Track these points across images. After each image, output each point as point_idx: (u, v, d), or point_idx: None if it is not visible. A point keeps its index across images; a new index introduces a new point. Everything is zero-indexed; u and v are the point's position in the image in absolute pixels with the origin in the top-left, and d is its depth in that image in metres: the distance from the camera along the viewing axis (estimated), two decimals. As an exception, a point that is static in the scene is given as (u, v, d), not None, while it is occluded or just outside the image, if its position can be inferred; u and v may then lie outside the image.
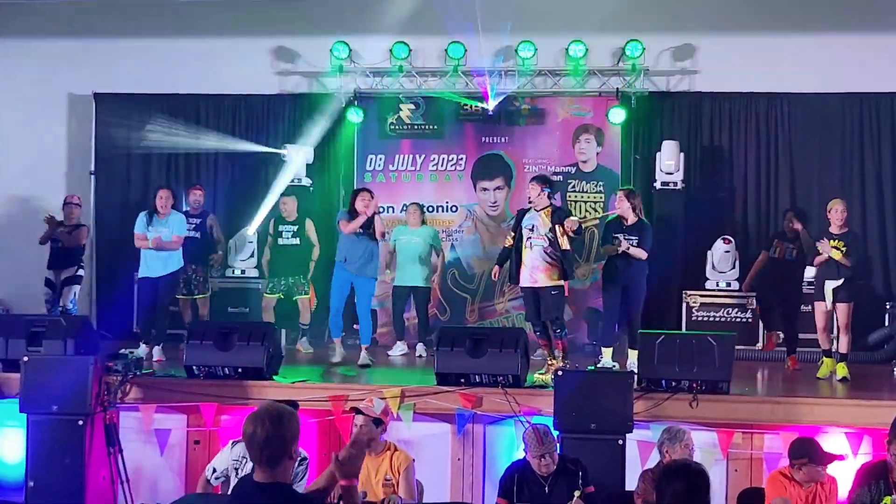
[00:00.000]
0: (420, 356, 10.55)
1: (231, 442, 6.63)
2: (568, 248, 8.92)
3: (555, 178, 11.83)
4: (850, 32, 11.49)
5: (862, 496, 6.19)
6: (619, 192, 9.59)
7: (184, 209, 10.81)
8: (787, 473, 6.43)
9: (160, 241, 9.70)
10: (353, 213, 9.62)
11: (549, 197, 9.09)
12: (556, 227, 8.85)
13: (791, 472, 6.39)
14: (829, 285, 9.16)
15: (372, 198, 9.71)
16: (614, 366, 9.10)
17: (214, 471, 6.52)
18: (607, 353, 9.32)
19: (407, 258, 10.74)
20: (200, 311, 11.07)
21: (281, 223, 11.02)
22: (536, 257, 8.91)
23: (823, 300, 9.22)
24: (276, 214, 11.19)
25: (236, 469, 6.42)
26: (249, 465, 6.28)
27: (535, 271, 8.91)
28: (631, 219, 9.27)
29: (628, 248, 9.09)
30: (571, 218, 8.99)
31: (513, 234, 9.14)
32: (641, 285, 9.32)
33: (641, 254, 9.14)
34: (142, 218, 9.82)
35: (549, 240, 8.87)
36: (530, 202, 9.14)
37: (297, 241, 10.97)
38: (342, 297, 9.68)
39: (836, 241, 9.18)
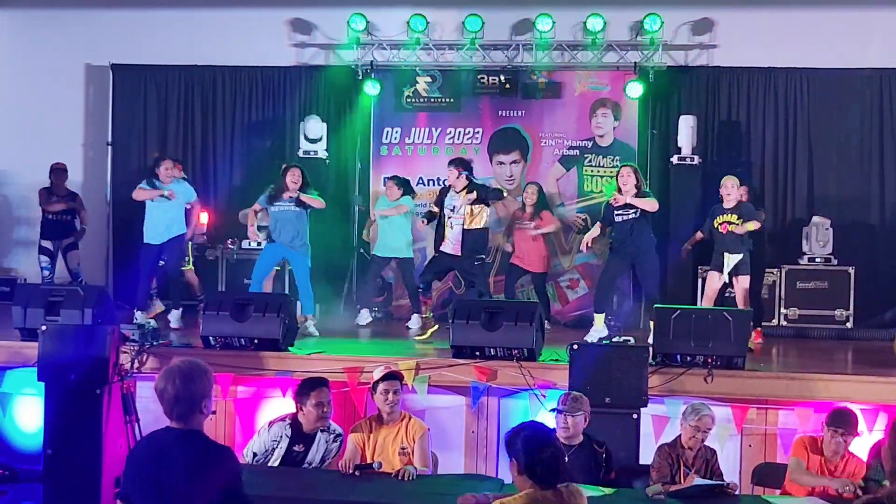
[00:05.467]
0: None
1: (267, 424, 6.64)
2: (481, 226, 9.67)
3: (571, 152, 11.87)
4: (870, 7, 11.41)
5: (875, 474, 6.21)
6: (625, 168, 9.34)
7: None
8: (816, 441, 6.47)
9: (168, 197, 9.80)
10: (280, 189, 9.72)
11: (467, 178, 9.72)
12: (472, 206, 9.58)
13: (821, 443, 6.42)
14: (731, 258, 9.29)
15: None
16: (629, 340, 9.06)
17: (255, 455, 6.48)
18: (599, 319, 9.29)
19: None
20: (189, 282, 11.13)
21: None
22: (457, 235, 9.66)
23: (720, 272, 9.37)
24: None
25: (274, 450, 6.44)
26: (285, 443, 6.37)
27: (456, 247, 9.70)
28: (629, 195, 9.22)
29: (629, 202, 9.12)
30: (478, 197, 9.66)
31: (437, 209, 9.88)
32: (653, 260, 9.32)
33: (651, 204, 9.13)
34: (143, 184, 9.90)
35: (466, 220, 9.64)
36: (451, 185, 9.81)
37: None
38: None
39: (729, 214, 9.36)
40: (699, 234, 9.76)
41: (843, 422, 6.39)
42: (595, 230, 9.54)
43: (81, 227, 11.68)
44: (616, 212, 9.21)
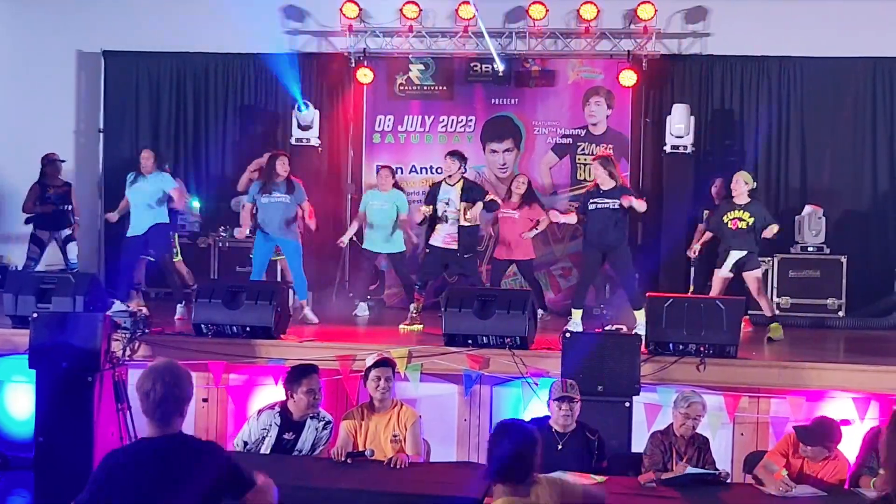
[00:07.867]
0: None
1: (256, 412, 6.62)
2: (470, 223, 9.69)
3: (564, 140, 11.85)
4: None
5: (869, 461, 6.20)
6: (593, 162, 9.49)
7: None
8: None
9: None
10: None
11: (462, 174, 9.84)
12: (463, 203, 9.62)
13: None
14: (734, 255, 9.35)
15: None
16: (621, 328, 9.05)
17: (245, 444, 6.43)
18: (576, 314, 9.25)
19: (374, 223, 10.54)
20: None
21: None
22: (452, 230, 9.71)
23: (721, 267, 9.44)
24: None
25: (264, 438, 6.42)
26: (275, 431, 6.35)
27: (448, 240, 9.73)
28: (608, 184, 9.15)
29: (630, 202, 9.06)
30: (479, 202, 9.65)
31: (429, 207, 9.75)
32: (627, 252, 9.28)
33: (641, 205, 9.09)
34: (129, 178, 9.86)
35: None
36: (449, 177, 9.81)
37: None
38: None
39: (740, 210, 9.39)
40: (707, 234, 9.78)
41: (811, 438, 6.13)
42: (572, 218, 9.51)
43: (75, 218, 11.50)
44: (592, 199, 9.12)
